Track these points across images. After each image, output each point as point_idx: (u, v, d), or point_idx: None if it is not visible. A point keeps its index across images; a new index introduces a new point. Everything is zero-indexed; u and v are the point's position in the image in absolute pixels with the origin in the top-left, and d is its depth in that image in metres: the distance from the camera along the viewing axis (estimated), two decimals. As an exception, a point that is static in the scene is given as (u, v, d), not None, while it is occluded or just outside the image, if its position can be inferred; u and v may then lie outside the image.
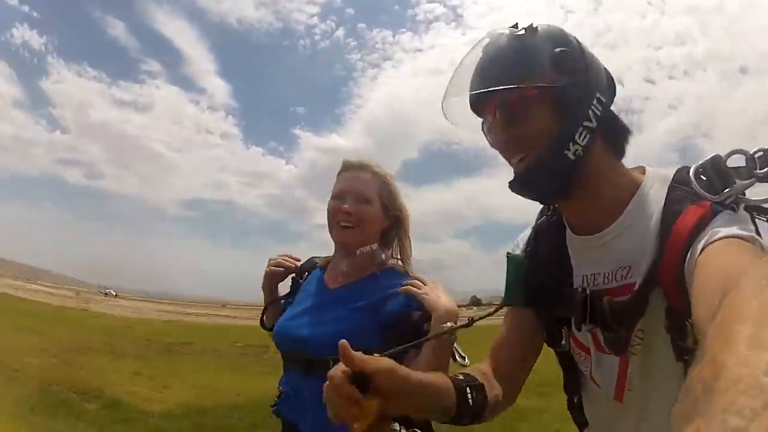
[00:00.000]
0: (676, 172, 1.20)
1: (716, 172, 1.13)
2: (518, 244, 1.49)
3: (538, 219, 1.48)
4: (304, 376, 1.93)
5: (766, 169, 1.09)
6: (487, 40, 1.25)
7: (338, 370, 1.02)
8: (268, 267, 2.25)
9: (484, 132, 1.31)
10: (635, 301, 1.16)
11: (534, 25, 1.21)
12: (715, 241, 0.99)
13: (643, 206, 1.21)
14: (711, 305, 0.76)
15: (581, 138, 1.17)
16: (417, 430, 1.42)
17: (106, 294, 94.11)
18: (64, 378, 10.09)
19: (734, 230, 1.01)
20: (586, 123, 1.17)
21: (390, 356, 1.22)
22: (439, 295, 1.81)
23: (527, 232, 1.49)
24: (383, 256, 2.09)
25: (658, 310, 1.15)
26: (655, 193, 1.21)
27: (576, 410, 1.47)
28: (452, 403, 1.19)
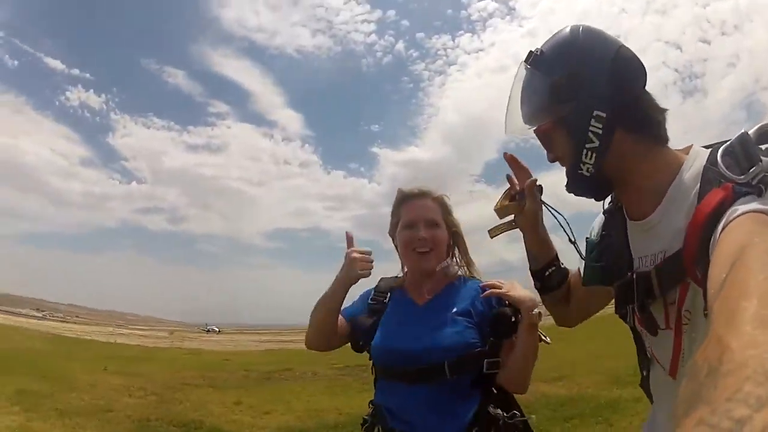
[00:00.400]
0: (711, 150, 1.23)
1: (743, 151, 1.12)
2: (593, 228, 1.60)
3: (609, 203, 1.56)
4: (409, 388, 2.14)
5: None
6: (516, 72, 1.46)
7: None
8: (358, 266, 2.31)
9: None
10: (672, 261, 1.21)
11: (539, 51, 1.38)
12: (733, 219, 0.97)
13: (682, 190, 1.25)
14: (719, 279, 0.76)
15: (588, 158, 1.31)
16: (516, 412, 2.07)
17: (208, 331, 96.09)
18: (163, 413, 10.32)
19: (753, 205, 0.99)
20: (588, 145, 1.29)
21: (493, 348, 2.12)
22: (519, 290, 2.07)
23: (601, 216, 1.58)
24: (455, 267, 2.42)
25: (698, 289, 1.14)
26: (692, 176, 1.24)
27: (645, 387, 1.53)
28: (548, 257, 1.75)
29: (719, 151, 1.15)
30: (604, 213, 1.55)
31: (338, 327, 2.37)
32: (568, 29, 1.36)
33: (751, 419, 0.39)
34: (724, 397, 0.43)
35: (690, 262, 1.10)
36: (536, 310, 1.98)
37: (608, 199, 1.52)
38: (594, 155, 1.29)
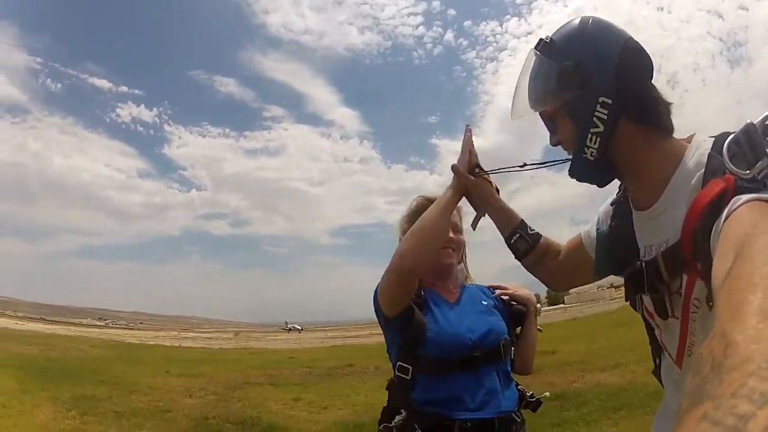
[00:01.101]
0: (716, 139, 1.24)
1: (749, 144, 1.10)
2: (599, 218, 1.66)
3: (617, 194, 1.61)
4: (472, 372, 2.25)
5: None
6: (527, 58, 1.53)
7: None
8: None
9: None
10: (674, 256, 1.24)
11: (549, 39, 1.46)
12: (736, 208, 0.97)
13: (685, 178, 1.27)
14: (724, 270, 0.76)
15: (592, 142, 1.36)
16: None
17: (289, 330, 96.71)
18: (221, 412, 10.51)
19: (756, 195, 0.98)
20: (593, 129, 1.35)
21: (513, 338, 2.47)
22: (521, 290, 2.54)
23: (605, 206, 1.64)
24: (465, 273, 2.66)
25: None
26: (695, 164, 1.27)
27: (658, 375, 1.56)
28: (511, 225, 1.96)
29: (725, 141, 1.15)
30: (611, 204, 1.61)
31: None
32: (578, 20, 1.43)
33: (754, 416, 0.39)
34: (729, 392, 0.44)
35: (688, 250, 1.13)
36: (538, 305, 2.48)
37: (616, 190, 1.61)
38: (598, 140, 1.35)
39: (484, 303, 2.49)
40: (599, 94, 1.33)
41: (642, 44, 1.39)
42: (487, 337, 2.30)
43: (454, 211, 2.33)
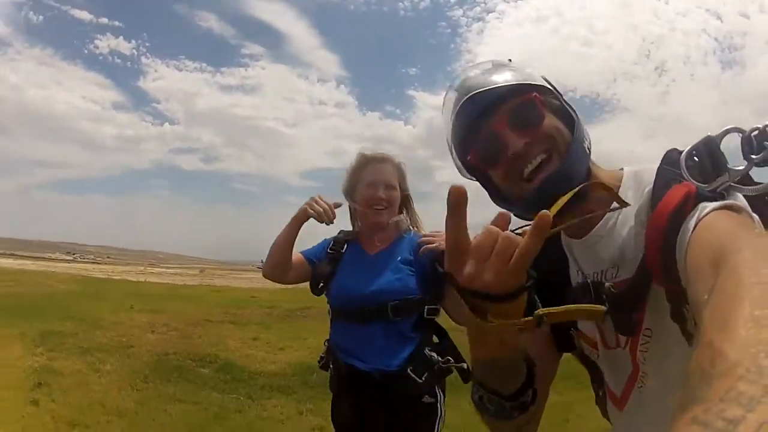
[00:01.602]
0: (666, 153, 1.22)
1: (709, 156, 1.12)
2: None
3: None
4: (359, 327, 2.69)
5: (762, 154, 1.07)
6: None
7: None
8: (310, 207, 2.85)
9: (479, 158, 1.35)
10: (635, 286, 1.18)
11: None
12: (705, 216, 0.98)
13: (628, 197, 1.25)
14: (706, 286, 0.77)
15: (588, 146, 1.29)
16: (450, 359, 2.52)
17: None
18: (181, 348, 10.95)
19: (723, 202, 1.01)
20: (585, 141, 1.29)
21: (435, 295, 2.55)
22: None
23: None
24: (406, 223, 2.94)
25: (660, 303, 1.16)
26: (640, 182, 1.26)
27: (602, 405, 1.48)
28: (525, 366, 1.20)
29: (683, 153, 1.16)
30: None
31: (296, 265, 2.96)
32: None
33: (744, 419, 0.39)
34: (718, 396, 0.43)
35: (656, 266, 1.09)
36: None
37: None
38: (590, 149, 1.32)
39: (399, 259, 2.75)
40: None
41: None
42: (376, 295, 2.66)
43: (391, 168, 2.92)
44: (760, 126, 1.07)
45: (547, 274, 1.17)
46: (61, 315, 14.01)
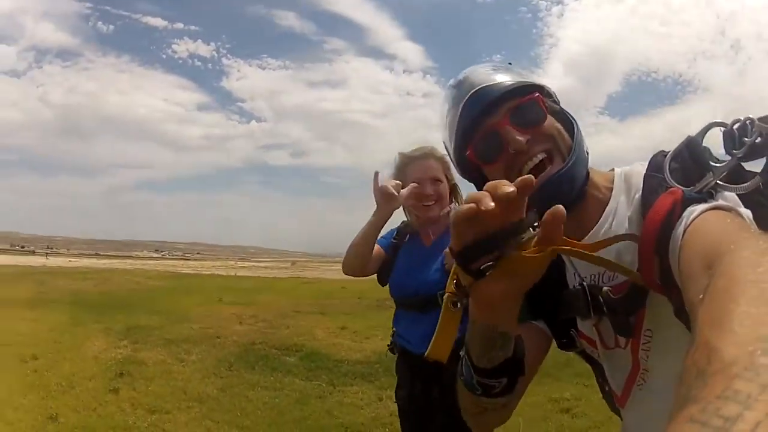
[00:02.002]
0: (652, 158, 1.23)
1: (692, 158, 1.12)
2: None
3: None
4: (415, 315, 2.83)
5: (743, 149, 1.05)
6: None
7: None
8: (394, 200, 2.83)
9: (478, 154, 1.33)
10: (631, 293, 1.18)
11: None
12: (693, 220, 0.98)
13: (620, 204, 1.27)
14: (700, 286, 0.76)
15: (586, 150, 1.30)
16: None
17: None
18: (269, 338, 11.03)
19: (711, 203, 1.01)
20: (585, 147, 1.30)
21: None
22: None
23: None
24: None
25: (660, 304, 1.14)
26: (629, 188, 1.27)
27: (609, 400, 1.49)
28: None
29: (666, 158, 1.16)
30: None
31: (375, 256, 3.03)
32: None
33: (741, 417, 0.40)
34: (714, 394, 0.44)
35: (650, 274, 1.10)
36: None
37: None
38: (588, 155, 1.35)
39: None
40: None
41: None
42: (429, 286, 2.76)
43: (435, 162, 2.95)
44: (741, 118, 1.06)
45: (544, 278, 1.12)
46: (148, 309, 14.42)
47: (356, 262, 2.97)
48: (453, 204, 3.00)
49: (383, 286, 3.16)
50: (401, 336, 2.97)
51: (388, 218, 2.92)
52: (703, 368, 0.49)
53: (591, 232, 1.28)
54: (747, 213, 1.00)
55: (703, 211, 0.98)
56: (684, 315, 1.02)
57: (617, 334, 1.26)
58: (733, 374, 0.44)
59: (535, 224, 0.95)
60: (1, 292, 18.24)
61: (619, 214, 1.25)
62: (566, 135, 1.28)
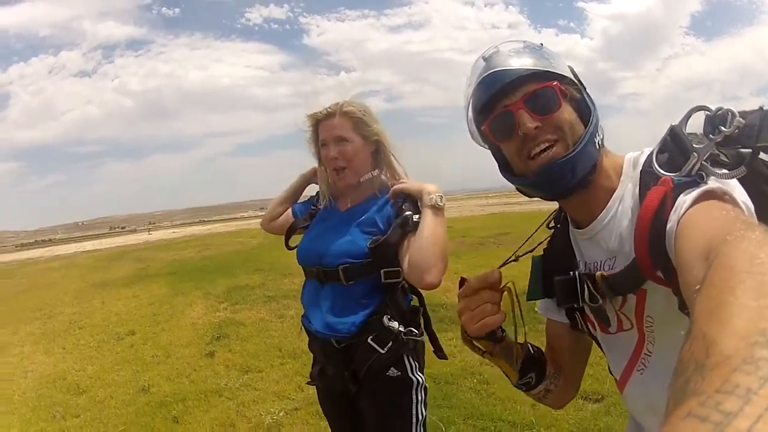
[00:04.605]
0: (649, 153, 1.27)
1: (675, 145, 1.17)
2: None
3: (554, 218, 1.64)
4: (318, 287, 2.56)
5: (718, 135, 1.10)
6: (497, 50, 1.40)
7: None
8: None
9: (492, 131, 1.41)
10: (624, 274, 1.26)
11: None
12: (685, 212, 1.02)
13: (626, 192, 1.32)
14: (697, 279, 0.79)
15: (600, 141, 1.35)
16: (414, 330, 2.40)
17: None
18: None
19: (702, 188, 1.05)
20: (597, 136, 1.34)
21: (385, 240, 2.29)
22: (421, 183, 2.35)
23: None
24: (383, 178, 2.63)
25: (659, 292, 1.21)
26: (632, 178, 1.32)
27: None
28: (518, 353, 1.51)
29: (653, 150, 1.23)
30: (553, 226, 1.64)
31: (284, 217, 3.04)
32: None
33: (742, 411, 0.39)
34: (713, 388, 0.43)
35: (647, 268, 1.16)
36: (436, 195, 2.23)
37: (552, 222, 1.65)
38: (600, 141, 1.39)
39: (363, 218, 2.53)
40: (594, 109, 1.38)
41: None
42: (330, 257, 2.49)
43: (341, 119, 2.56)
44: (724, 108, 1.10)
45: (556, 263, 1.49)
46: (249, 269, 14.84)
47: (264, 217, 3.15)
48: (376, 170, 2.64)
49: (289, 250, 2.94)
50: (305, 314, 2.71)
51: (302, 187, 3.03)
52: (702, 361, 0.50)
53: (598, 217, 1.37)
54: (742, 197, 1.06)
55: (695, 199, 1.03)
56: (687, 309, 1.07)
57: (597, 321, 1.41)
58: (733, 368, 0.45)
59: None
60: (100, 275, 19.36)
61: (625, 201, 1.32)
62: (579, 126, 1.34)
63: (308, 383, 2.84)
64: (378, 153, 2.64)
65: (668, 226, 1.04)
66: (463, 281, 1.41)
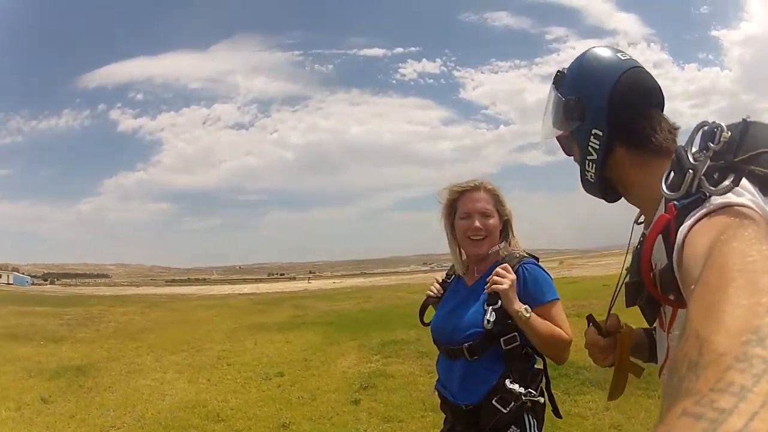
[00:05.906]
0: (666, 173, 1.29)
1: (678, 164, 1.17)
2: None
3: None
4: (451, 361, 2.78)
5: (707, 152, 1.11)
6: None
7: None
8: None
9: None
10: (627, 288, 1.43)
11: (562, 72, 1.69)
12: (684, 238, 1.01)
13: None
14: (693, 279, 0.81)
15: (590, 167, 1.58)
16: (532, 390, 2.58)
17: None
18: None
19: (700, 212, 1.03)
20: (588, 157, 1.57)
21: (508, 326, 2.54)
22: (512, 300, 2.52)
23: (636, 226, 1.69)
24: (507, 248, 2.89)
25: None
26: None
27: None
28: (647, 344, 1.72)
29: (665, 173, 1.22)
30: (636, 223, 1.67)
31: None
32: (586, 52, 1.66)
33: (736, 408, 0.41)
34: (707, 387, 0.45)
35: (656, 294, 1.23)
36: (520, 312, 2.48)
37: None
38: (594, 165, 1.57)
39: (485, 289, 2.70)
40: (592, 127, 1.54)
41: (647, 72, 1.60)
42: (456, 334, 2.72)
43: (485, 195, 2.90)
44: (716, 122, 1.13)
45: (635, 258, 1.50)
46: (407, 324, 14.59)
47: None
48: (503, 243, 2.92)
49: (424, 326, 3.13)
50: (439, 380, 2.92)
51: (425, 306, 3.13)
52: (695, 360, 0.51)
53: (654, 217, 1.35)
54: (744, 200, 1.01)
55: (690, 227, 1.02)
56: None
57: (646, 318, 1.48)
58: (726, 365, 0.46)
59: None
60: (255, 317, 20.27)
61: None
62: (579, 155, 1.60)
63: None
64: (504, 229, 2.94)
65: (674, 254, 1.04)
66: (590, 318, 1.74)
